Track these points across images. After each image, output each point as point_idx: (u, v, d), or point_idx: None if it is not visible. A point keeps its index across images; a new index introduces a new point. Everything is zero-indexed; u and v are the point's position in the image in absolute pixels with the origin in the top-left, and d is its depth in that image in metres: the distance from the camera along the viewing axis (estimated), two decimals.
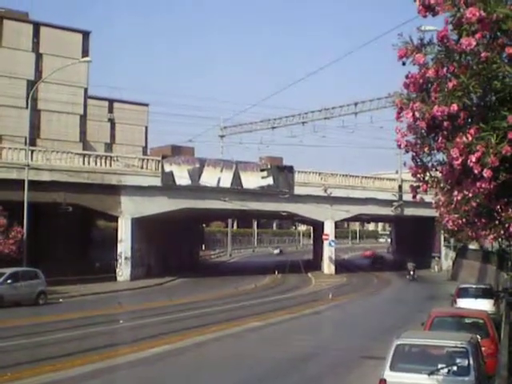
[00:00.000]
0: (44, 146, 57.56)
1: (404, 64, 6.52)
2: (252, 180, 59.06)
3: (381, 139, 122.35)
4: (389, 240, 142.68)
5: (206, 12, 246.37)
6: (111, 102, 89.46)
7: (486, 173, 6.12)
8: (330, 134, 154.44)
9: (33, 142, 57.09)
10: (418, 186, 8.16)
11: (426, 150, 7.38)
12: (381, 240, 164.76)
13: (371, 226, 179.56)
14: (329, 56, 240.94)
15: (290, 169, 62.31)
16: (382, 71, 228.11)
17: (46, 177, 46.74)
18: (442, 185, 8.34)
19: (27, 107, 49.37)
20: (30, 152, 45.70)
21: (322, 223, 65.09)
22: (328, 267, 65.03)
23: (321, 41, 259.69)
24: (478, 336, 13.62)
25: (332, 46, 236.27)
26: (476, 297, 27.75)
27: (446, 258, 69.67)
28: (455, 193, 9.43)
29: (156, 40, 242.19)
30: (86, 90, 72.35)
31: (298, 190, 61.13)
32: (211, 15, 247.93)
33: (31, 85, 60.53)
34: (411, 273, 59.54)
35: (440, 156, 7.57)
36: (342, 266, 69.44)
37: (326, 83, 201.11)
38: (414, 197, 8.46)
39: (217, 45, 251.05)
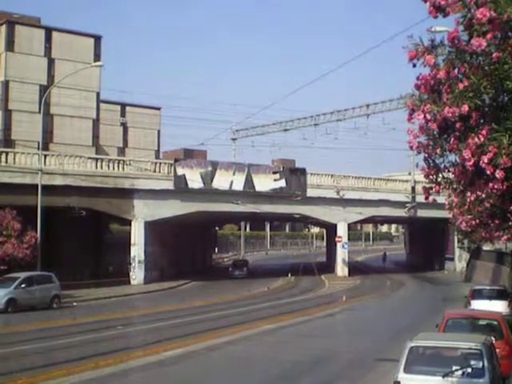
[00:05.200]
0: (57, 150, 57.83)
1: (414, 66, 6.51)
2: (264, 182, 59.04)
3: (393, 141, 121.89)
4: (398, 241, 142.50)
5: (218, 15, 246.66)
6: (123, 106, 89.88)
7: (499, 174, 6.10)
8: (343, 136, 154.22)
9: (46, 147, 57.44)
10: (431, 188, 8.14)
11: (438, 151, 7.36)
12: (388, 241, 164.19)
13: (384, 228, 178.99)
14: (340, 58, 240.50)
15: (303, 171, 62.24)
16: (394, 73, 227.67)
17: (59, 181, 46.91)
18: (454, 186, 8.32)
19: (40, 112, 49.61)
20: (43, 157, 45.86)
21: (335, 225, 64.94)
22: (341, 269, 64.86)
23: (332, 43, 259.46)
24: (493, 337, 13.55)
25: (344, 48, 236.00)
26: (490, 298, 27.66)
27: (459, 260, 69.40)
28: (468, 194, 9.41)
29: (167, 43, 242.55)
30: (98, 95, 72.74)
31: (310, 193, 61.05)
32: (223, 18, 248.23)
33: (44, 90, 60.91)
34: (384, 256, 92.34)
35: (452, 157, 7.55)
36: (355, 268, 69.25)
37: (338, 85, 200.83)
38: (427, 198, 8.44)
39: (229, 47, 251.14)
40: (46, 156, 47.97)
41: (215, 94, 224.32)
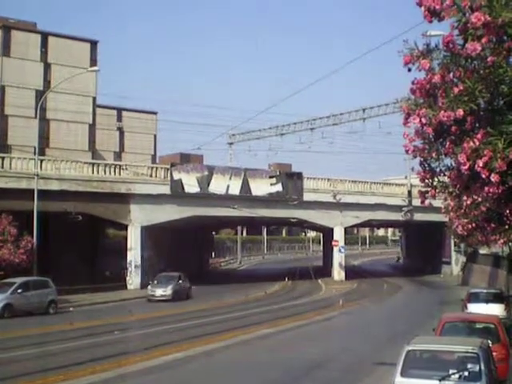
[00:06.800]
0: (53, 155, 57.80)
1: (410, 70, 6.52)
2: (261, 187, 59.02)
3: (389, 144, 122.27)
4: (396, 245, 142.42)
5: (215, 19, 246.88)
6: (120, 110, 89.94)
7: (494, 177, 6.11)
8: (339, 140, 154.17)
9: (42, 152, 57.40)
10: (427, 191, 8.16)
11: (433, 155, 7.39)
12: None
13: (381, 232, 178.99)
14: (337, 62, 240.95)
15: (299, 175, 62.26)
16: (391, 76, 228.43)
17: (55, 186, 46.81)
18: (450, 190, 8.34)
19: (36, 117, 49.56)
20: (39, 161, 45.79)
21: (332, 229, 64.96)
22: (338, 273, 64.88)
23: (328, 46, 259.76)
24: (489, 341, 13.54)
25: (340, 52, 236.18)
26: (487, 301, 27.66)
27: (456, 263, 69.41)
28: (465, 197, 9.43)
29: (164, 48, 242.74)
30: (94, 99, 72.71)
31: (307, 197, 61.07)
32: (220, 22, 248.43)
33: (40, 94, 60.89)
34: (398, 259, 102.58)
35: (448, 161, 7.58)
36: (352, 272, 69.23)
37: (334, 89, 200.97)
38: (423, 202, 8.47)
39: (225, 52, 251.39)
40: (42, 161, 47.88)
41: (212, 99, 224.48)
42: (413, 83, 6.65)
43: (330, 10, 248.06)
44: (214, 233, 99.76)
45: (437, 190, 8.05)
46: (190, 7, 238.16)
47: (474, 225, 15.93)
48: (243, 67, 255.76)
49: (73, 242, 51.39)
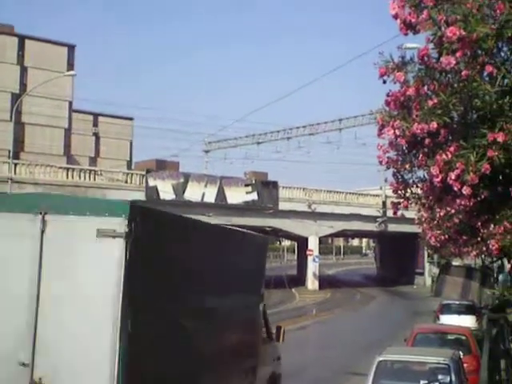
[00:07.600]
0: (28, 159, 57.35)
1: (385, 82, 6.56)
2: (236, 195, 58.96)
3: (365, 155, 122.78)
4: (370, 255, 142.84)
5: (193, 27, 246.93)
6: (96, 115, 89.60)
7: (466, 190, 6.14)
8: (315, 150, 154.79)
9: (16, 156, 56.96)
10: (399, 203, 8.20)
11: (407, 166, 7.44)
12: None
13: (355, 242, 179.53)
14: (314, 72, 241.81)
15: (275, 184, 62.30)
16: (368, 87, 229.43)
17: (29, 190, 46.17)
18: (423, 201, 8.40)
19: (11, 120, 49.21)
20: (13, 165, 45.45)
21: (306, 239, 65.05)
22: (312, 283, 64.94)
23: (306, 56, 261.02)
24: (461, 352, 13.61)
25: (317, 62, 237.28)
26: (459, 313, 27.80)
27: (429, 274, 69.76)
28: (437, 209, 9.50)
29: (142, 54, 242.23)
30: (70, 104, 72.46)
31: (282, 206, 61.11)
32: (197, 30, 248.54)
33: (16, 98, 60.53)
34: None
35: (421, 173, 7.63)
36: (326, 282, 69.32)
37: (311, 99, 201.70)
38: (395, 213, 8.52)
39: (202, 60, 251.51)
40: (16, 165, 47.46)
41: (189, 106, 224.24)
42: (387, 95, 6.69)
43: (309, 18, 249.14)
44: None
45: (409, 202, 8.10)
46: (168, 17, 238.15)
47: (446, 236, 16.02)
48: (221, 75, 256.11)
49: None
